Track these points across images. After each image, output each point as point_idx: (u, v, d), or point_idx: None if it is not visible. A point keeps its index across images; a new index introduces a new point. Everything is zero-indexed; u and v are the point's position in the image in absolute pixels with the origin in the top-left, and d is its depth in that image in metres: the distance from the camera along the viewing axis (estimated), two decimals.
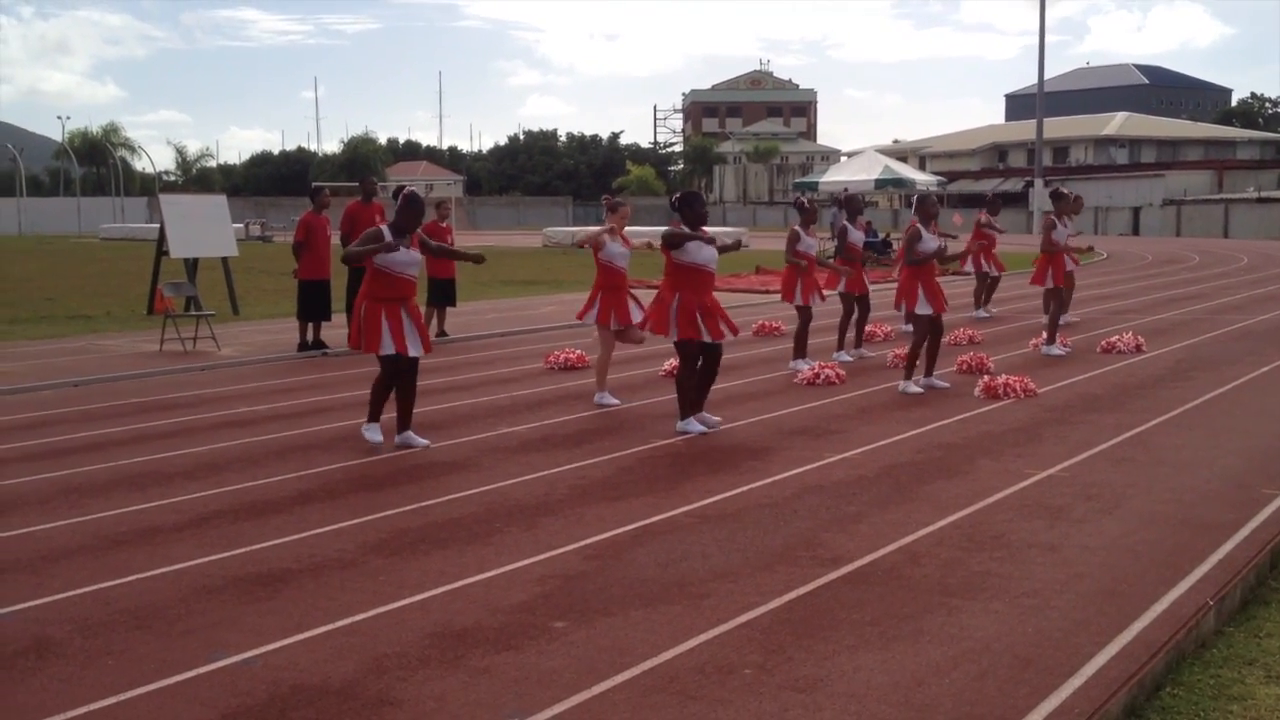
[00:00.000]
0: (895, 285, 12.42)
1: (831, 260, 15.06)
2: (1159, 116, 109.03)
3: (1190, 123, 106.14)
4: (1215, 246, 50.80)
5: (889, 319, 17.27)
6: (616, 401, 11.28)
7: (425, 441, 9.45)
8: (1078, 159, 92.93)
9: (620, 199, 11.73)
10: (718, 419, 10.13)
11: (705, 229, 9.90)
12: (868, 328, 15.80)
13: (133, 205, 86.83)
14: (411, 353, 9.15)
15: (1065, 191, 15.62)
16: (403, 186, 9.52)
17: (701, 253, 9.70)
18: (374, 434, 9.37)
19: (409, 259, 9.16)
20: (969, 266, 19.89)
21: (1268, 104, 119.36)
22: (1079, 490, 7.85)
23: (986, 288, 19.91)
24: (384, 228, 9.17)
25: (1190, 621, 5.41)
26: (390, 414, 9.46)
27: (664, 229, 9.92)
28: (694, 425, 9.89)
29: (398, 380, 9.28)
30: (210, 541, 6.81)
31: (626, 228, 11.48)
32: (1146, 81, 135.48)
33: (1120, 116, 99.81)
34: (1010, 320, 19.13)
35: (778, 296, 14.51)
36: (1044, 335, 15.04)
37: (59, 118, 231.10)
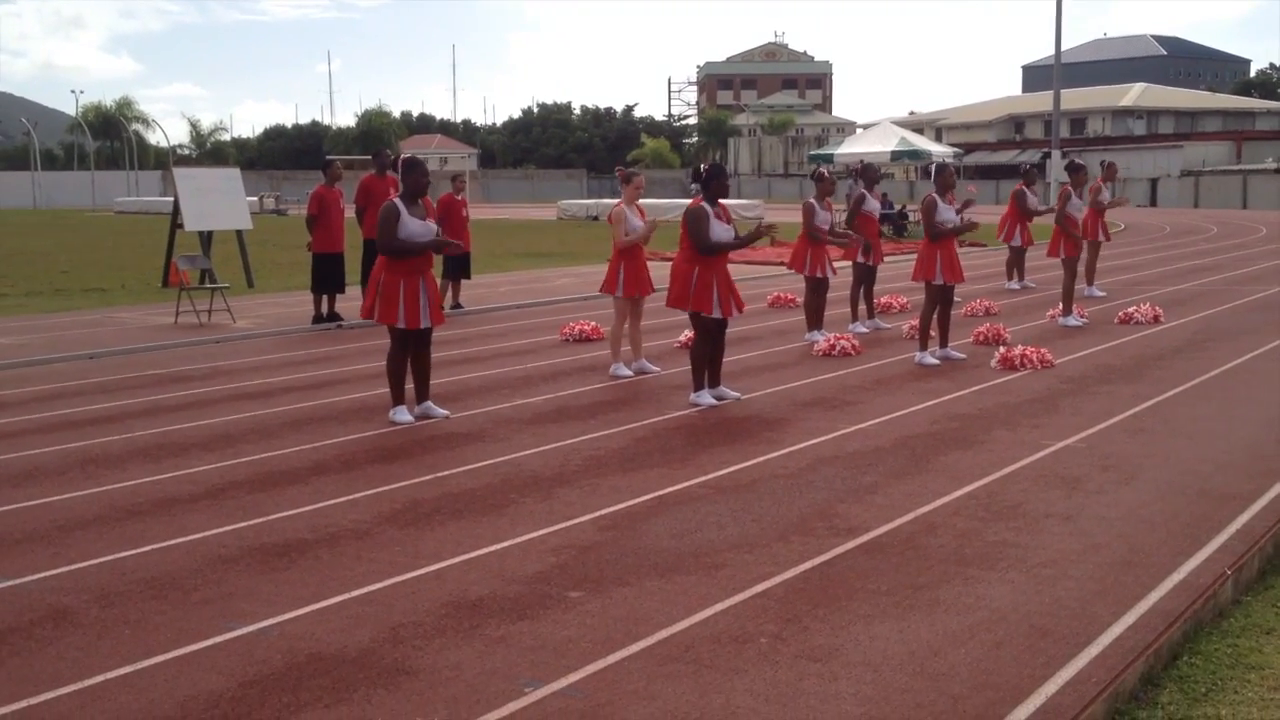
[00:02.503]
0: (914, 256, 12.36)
1: (845, 229, 15.01)
2: (1177, 87, 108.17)
3: (1208, 94, 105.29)
4: (1233, 217, 50.47)
5: (906, 290, 17.20)
6: (630, 372, 11.27)
7: (445, 412, 9.45)
8: (1095, 130, 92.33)
9: (634, 170, 11.68)
10: (736, 393, 10.09)
11: (724, 203, 9.89)
12: (884, 299, 15.76)
13: (146, 179, 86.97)
14: (422, 325, 9.11)
15: (1082, 163, 15.51)
16: (395, 156, 9.43)
17: (721, 231, 9.66)
18: (402, 415, 9.27)
19: (425, 230, 9.12)
20: (1001, 238, 19.87)
21: None
22: (1096, 461, 7.82)
23: (1016, 260, 19.86)
24: (396, 201, 9.10)
25: (1208, 591, 5.39)
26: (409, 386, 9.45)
27: (688, 212, 9.76)
28: (705, 398, 9.86)
29: (409, 352, 9.27)
30: (226, 512, 6.83)
31: (642, 199, 11.43)
32: (1164, 52, 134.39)
33: (1138, 87, 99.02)
34: (1029, 291, 19.04)
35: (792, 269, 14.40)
36: (1060, 306, 14.97)
37: (73, 92, 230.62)
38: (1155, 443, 8.35)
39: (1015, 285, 19.53)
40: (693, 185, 10.22)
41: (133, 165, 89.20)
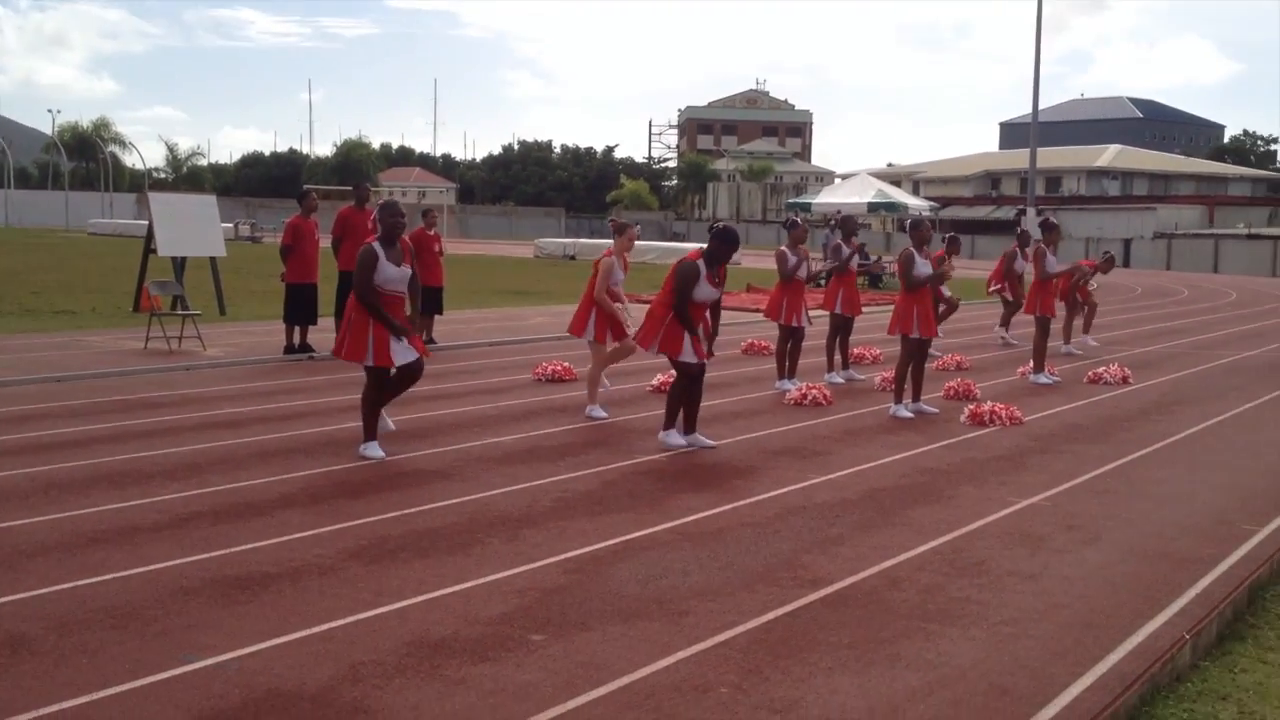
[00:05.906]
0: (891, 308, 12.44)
1: (824, 282, 15.15)
2: (1152, 150, 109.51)
3: (1183, 157, 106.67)
4: (1205, 281, 51.01)
5: (879, 342, 17.30)
6: (605, 414, 11.27)
7: (391, 425, 9.76)
8: (1070, 189, 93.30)
9: (627, 221, 11.74)
10: (711, 441, 10.06)
11: (725, 267, 9.92)
12: (857, 350, 15.82)
13: (121, 201, 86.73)
14: (398, 362, 9.08)
15: (1055, 222, 15.68)
16: (371, 190, 9.53)
17: (704, 292, 9.72)
18: (374, 450, 9.21)
19: (399, 275, 9.09)
20: (1007, 293, 20.13)
21: (1260, 141, 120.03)
22: (1061, 520, 7.86)
23: (1008, 314, 20.07)
24: (375, 245, 9.07)
25: (1166, 655, 5.42)
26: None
27: (680, 264, 9.81)
28: (674, 438, 9.87)
29: (385, 390, 9.25)
30: (189, 542, 6.78)
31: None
32: (1140, 115, 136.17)
33: (1113, 149, 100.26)
34: (1009, 348, 19.16)
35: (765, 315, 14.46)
36: (1031, 364, 15.07)
37: (49, 111, 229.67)
38: (1119, 504, 8.41)
39: (1012, 339, 19.69)
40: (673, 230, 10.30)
41: (108, 187, 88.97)
